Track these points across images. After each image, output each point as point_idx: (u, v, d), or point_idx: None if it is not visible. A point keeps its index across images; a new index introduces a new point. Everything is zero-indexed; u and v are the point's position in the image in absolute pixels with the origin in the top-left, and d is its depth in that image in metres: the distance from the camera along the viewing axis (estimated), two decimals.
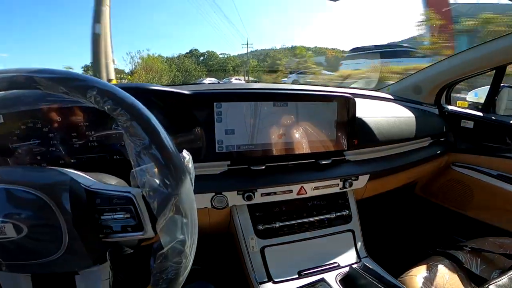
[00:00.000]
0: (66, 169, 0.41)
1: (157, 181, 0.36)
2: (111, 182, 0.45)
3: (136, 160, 0.37)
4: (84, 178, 0.41)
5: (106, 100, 0.36)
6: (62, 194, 0.37)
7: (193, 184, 0.42)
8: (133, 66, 10.97)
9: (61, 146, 0.67)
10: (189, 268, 0.39)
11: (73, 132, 0.67)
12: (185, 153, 0.43)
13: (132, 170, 0.38)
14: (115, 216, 0.38)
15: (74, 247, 0.37)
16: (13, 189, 0.36)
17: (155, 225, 0.37)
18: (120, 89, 0.38)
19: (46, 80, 0.36)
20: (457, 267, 0.84)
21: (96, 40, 5.92)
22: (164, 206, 0.36)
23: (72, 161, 0.67)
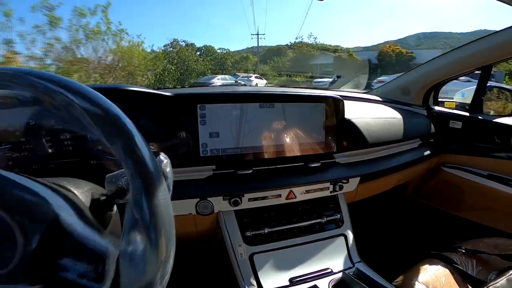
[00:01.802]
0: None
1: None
2: (85, 188, 0.41)
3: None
4: (65, 209, 0.34)
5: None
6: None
7: (171, 190, 0.38)
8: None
9: (34, 150, 0.63)
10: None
11: (46, 136, 0.63)
12: (162, 156, 0.40)
13: (107, 175, 0.35)
14: (76, 266, 0.32)
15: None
16: None
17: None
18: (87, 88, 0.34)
19: None
20: (453, 269, 0.82)
21: None
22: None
23: (47, 166, 0.63)
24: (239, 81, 13.36)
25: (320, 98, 0.87)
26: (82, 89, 0.32)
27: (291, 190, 0.85)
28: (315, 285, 0.78)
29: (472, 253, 0.87)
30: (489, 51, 1.08)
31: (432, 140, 1.26)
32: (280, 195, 0.84)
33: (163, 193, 0.33)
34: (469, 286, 0.78)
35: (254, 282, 0.79)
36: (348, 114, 0.93)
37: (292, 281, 0.81)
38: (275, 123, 0.81)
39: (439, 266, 0.82)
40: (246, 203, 0.81)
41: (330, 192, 0.90)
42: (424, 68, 1.30)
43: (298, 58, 28.67)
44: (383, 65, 26.26)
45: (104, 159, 0.68)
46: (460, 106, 1.33)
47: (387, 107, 1.25)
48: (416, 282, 0.77)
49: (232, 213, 0.83)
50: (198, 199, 0.76)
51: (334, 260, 0.88)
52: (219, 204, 0.78)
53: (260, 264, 0.81)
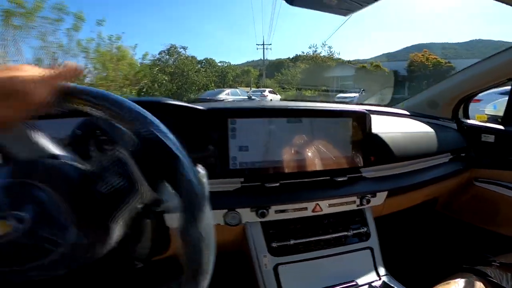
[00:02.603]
0: None
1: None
2: None
3: None
4: None
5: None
6: None
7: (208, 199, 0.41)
8: None
9: None
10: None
11: (91, 146, 0.69)
12: (200, 168, 0.43)
13: None
14: None
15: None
16: None
17: None
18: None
19: None
20: (487, 282, 0.78)
21: None
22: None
23: None
24: (252, 97, 11.19)
25: (346, 113, 0.88)
26: (140, 113, 0.36)
27: (317, 203, 0.86)
28: None
29: (507, 266, 0.84)
30: None
31: (463, 155, 1.22)
32: (306, 208, 0.85)
33: (206, 205, 0.37)
34: None
35: None
36: (375, 129, 0.93)
37: None
38: (302, 138, 0.83)
39: (472, 280, 0.79)
40: (272, 215, 0.82)
41: (357, 205, 0.90)
42: (452, 81, 1.28)
43: (312, 70, 27.19)
44: (414, 77, 23.75)
45: None
46: (492, 119, 1.29)
47: (414, 120, 1.24)
48: None
49: (258, 224, 0.84)
50: (226, 210, 0.79)
51: (359, 273, 0.87)
52: (247, 215, 0.80)
53: (285, 275, 0.82)
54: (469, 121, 1.30)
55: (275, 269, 0.82)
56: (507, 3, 0.80)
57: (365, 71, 24.15)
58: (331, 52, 31.75)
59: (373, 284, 0.81)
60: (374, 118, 0.93)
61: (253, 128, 0.79)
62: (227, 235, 0.85)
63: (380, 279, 0.87)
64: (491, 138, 1.21)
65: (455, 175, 1.16)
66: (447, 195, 1.31)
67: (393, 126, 1.05)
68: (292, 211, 0.84)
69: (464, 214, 1.33)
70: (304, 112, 0.84)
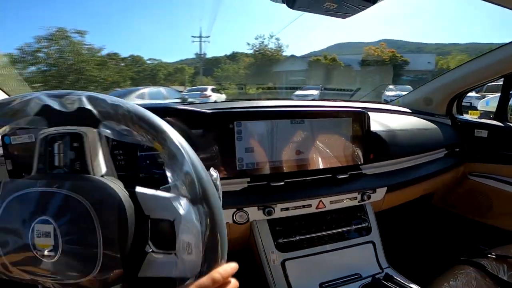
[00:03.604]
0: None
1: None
2: None
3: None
4: None
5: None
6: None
7: (221, 200, 0.44)
8: None
9: None
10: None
11: None
12: (212, 170, 0.46)
13: (160, 187, 0.41)
14: None
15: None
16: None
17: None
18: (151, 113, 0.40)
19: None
20: (484, 274, 0.82)
21: None
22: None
23: None
24: (189, 99, 7.80)
25: (346, 112, 0.92)
26: (153, 121, 0.39)
27: (320, 200, 0.89)
28: None
29: (503, 258, 0.88)
30: (509, 59, 1.09)
31: (457, 150, 1.26)
32: (310, 205, 0.88)
33: (218, 202, 0.40)
34: None
35: (286, 287, 0.84)
36: (373, 126, 0.97)
37: (322, 286, 0.85)
38: (305, 138, 0.87)
39: (470, 271, 0.83)
40: (278, 213, 0.86)
41: (358, 201, 0.94)
42: (446, 78, 1.32)
43: (258, 64, 24.02)
44: (369, 71, 21.67)
45: (151, 173, 0.76)
46: (484, 115, 1.34)
47: (410, 117, 1.28)
48: (448, 287, 0.78)
49: (265, 222, 0.88)
50: (235, 209, 0.82)
51: (363, 265, 0.91)
52: (254, 213, 0.84)
53: (292, 270, 0.86)
54: (462, 117, 1.34)
55: (283, 264, 0.86)
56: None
57: (319, 65, 21.90)
58: (279, 44, 27.00)
59: (376, 276, 0.85)
60: (372, 115, 0.96)
61: (258, 130, 0.82)
62: (235, 233, 0.88)
63: (382, 271, 0.91)
64: (484, 133, 1.26)
65: (450, 170, 1.20)
66: (443, 190, 1.36)
67: (391, 123, 1.08)
68: (297, 208, 0.87)
69: (459, 208, 1.37)
70: (307, 114, 0.88)
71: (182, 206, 0.38)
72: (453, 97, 1.31)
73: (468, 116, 1.36)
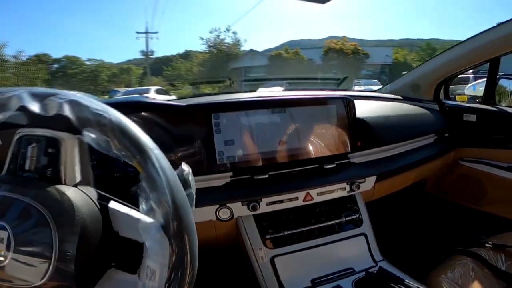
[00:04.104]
0: None
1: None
2: None
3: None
4: None
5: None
6: None
7: (194, 197, 0.41)
8: None
9: None
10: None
11: None
12: (184, 166, 0.42)
13: (132, 188, 0.37)
14: None
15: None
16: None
17: None
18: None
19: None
20: (482, 264, 0.80)
21: None
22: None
23: None
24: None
25: (330, 100, 0.89)
26: (117, 118, 0.36)
27: (308, 192, 0.85)
28: (338, 285, 0.78)
29: (500, 247, 0.85)
30: (496, 43, 1.08)
31: (447, 135, 1.24)
32: (297, 198, 0.85)
33: (194, 237, 0.36)
34: (500, 281, 0.76)
35: (277, 285, 0.80)
36: (359, 113, 0.93)
37: (315, 282, 0.81)
38: (288, 127, 0.83)
39: (467, 262, 0.80)
40: (264, 207, 0.82)
41: (347, 192, 0.90)
42: (432, 63, 1.30)
43: (214, 60, 22.20)
44: (330, 66, 21.16)
45: (127, 172, 0.71)
46: (472, 100, 1.32)
47: (398, 103, 1.25)
48: (445, 279, 0.76)
49: (251, 218, 0.84)
50: (217, 206, 0.78)
51: (356, 259, 0.88)
52: (238, 209, 0.80)
53: (282, 267, 0.82)
54: (450, 102, 1.32)
55: (272, 261, 0.82)
56: None
57: (281, 60, 20.68)
58: (237, 39, 24.49)
59: (369, 270, 0.82)
60: (357, 103, 0.93)
61: (237, 121, 0.79)
62: (221, 230, 0.84)
63: (376, 265, 0.87)
64: (472, 118, 1.24)
65: (440, 155, 1.18)
66: (435, 176, 1.33)
67: (378, 110, 1.06)
68: (283, 202, 0.83)
69: (453, 195, 1.35)
70: (288, 102, 0.84)
71: (154, 233, 0.35)
72: (440, 82, 1.29)
73: (456, 101, 1.34)
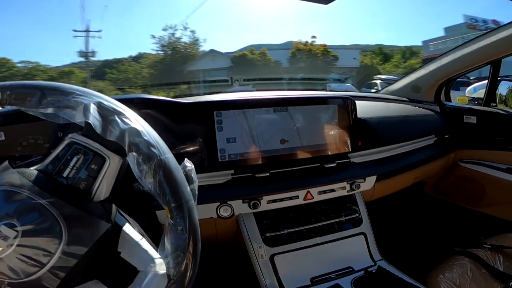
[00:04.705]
0: None
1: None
2: None
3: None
4: None
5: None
6: None
7: (196, 193, 0.41)
8: None
9: None
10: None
11: None
12: (187, 162, 0.43)
13: (134, 184, 0.38)
14: None
15: None
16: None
17: None
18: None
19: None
20: (480, 265, 0.80)
21: None
22: None
23: None
24: None
25: (331, 99, 0.89)
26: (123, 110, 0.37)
27: (308, 191, 0.86)
28: (337, 284, 0.79)
29: (498, 248, 0.86)
30: (497, 45, 1.08)
31: (447, 136, 1.25)
32: (297, 196, 0.85)
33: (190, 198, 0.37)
34: (497, 281, 0.77)
35: (276, 283, 0.80)
36: (360, 114, 0.94)
37: (314, 280, 0.82)
38: (290, 126, 0.84)
39: (465, 262, 0.81)
40: (265, 205, 0.82)
41: (347, 191, 0.91)
42: (433, 65, 1.30)
43: (168, 62, 19.08)
44: (299, 69, 18.66)
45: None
46: (473, 102, 1.33)
47: (398, 104, 1.26)
48: (443, 279, 0.76)
49: (251, 216, 0.84)
50: (218, 203, 0.78)
51: (355, 258, 0.88)
52: (239, 207, 0.80)
53: (281, 265, 0.82)
54: (450, 104, 1.33)
55: (272, 259, 0.82)
56: None
57: (246, 61, 18.42)
58: (195, 38, 20.84)
59: (368, 269, 0.82)
60: (359, 103, 0.93)
61: (239, 119, 0.79)
62: (221, 227, 0.85)
63: (375, 264, 0.88)
64: (473, 119, 1.25)
65: (440, 157, 1.18)
66: (434, 177, 1.34)
67: (379, 111, 1.06)
68: (284, 200, 0.84)
69: (452, 196, 1.36)
70: (290, 101, 0.84)
71: (158, 271, 0.35)
72: (441, 83, 1.30)
73: (457, 103, 1.34)
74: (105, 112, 0.37)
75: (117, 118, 0.37)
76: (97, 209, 0.38)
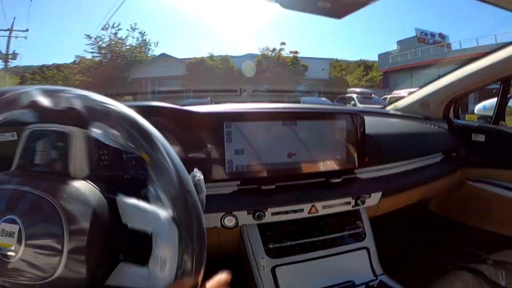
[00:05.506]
0: None
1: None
2: None
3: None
4: None
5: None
6: None
7: (204, 202, 0.42)
8: None
9: None
10: None
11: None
12: (196, 171, 0.44)
13: (143, 191, 0.39)
14: None
15: None
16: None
17: None
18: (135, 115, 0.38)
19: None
20: (482, 280, 0.80)
21: None
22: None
23: None
24: None
25: (341, 115, 0.90)
26: (135, 120, 0.38)
27: (313, 205, 0.86)
28: None
29: (501, 264, 0.85)
30: (508, 62, 1.08)
31: (454, 154, 1.24)
32: (302, 210, 0.85)
33: (202, 225, 0.38)
34: None
35: None
36: (368, 130, 0.94)
37: None
38: (298, 140, 0.84)
39: (468, 278, 0.81)
40: (269, 217, 0.83)
41: (352, 206, 0.91)
42: (443, 81, 1.30)
43: (107, 68, 15.51)
44: (265, 79, 16.23)
45: (137, 174, 0.73)
46: (482, 119, 1.32)
47: (406, 121, 1.26)
48: None
49: (255, 227, 0.85)
50: (223, 213, 0.79)
51: (356, 273, 0.88)
52: (244, 218, 0.81)
53: (282, 277, 0.83)
54: (459, 121, 1.32)
55: (273, 270, 0.83)
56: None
57: (205, 69, 16.18)
58: (144, 40, 17.90)
59: (370, 284, 0.82)
60: (367, 119, 0.94)
61: (248, 131, 0.80)
62: (224, 237, 0.85)
63: (377, 278, 0.88)
64: (481, 138, 1.24)
65: (447, 175, 1.18)
66: (440, 195, 1.33)
67: (386, 127, 1.07)
68: (288, 213, 0.84)
69: (457, 213, 1.35)
70: (299, 115, 0.85)
71: (163, 221, 0.36)
72: (450, 101, 1.29)
73: (465, 120, 1.34)
74: (50, 90, 0.38)
75: (63, 93, 0.38)
76: (83, 185, 0.38)
